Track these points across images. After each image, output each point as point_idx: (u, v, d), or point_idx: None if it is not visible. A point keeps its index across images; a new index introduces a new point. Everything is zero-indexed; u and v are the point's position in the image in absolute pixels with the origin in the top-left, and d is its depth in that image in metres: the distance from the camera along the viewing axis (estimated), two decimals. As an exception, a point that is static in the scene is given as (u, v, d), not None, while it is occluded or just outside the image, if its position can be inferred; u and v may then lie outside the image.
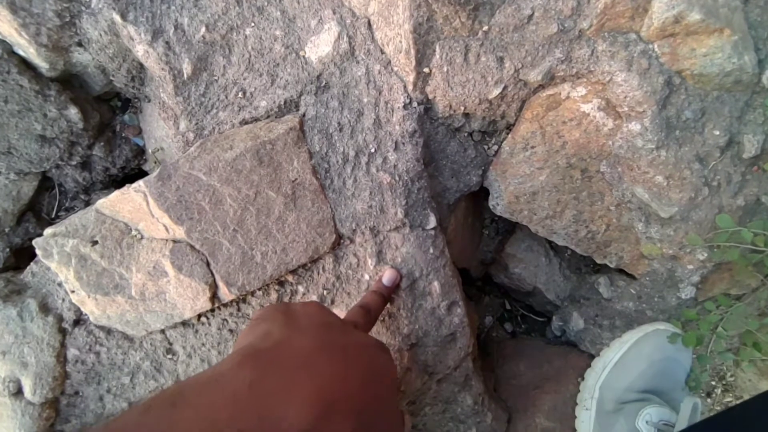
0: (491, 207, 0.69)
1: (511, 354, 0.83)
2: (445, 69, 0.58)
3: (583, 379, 0.72)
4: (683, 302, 0.70)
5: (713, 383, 0.75)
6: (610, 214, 0.67)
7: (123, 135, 0.79)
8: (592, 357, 0.73)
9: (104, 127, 0.78)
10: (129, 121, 0.79)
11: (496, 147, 0.67)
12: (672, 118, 0.58)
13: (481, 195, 0.74)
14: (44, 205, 0.80)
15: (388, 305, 0.62)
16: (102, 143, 0.77)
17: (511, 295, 0.90)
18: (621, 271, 0.73)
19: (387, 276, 0.60)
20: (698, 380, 0.70)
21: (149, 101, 0.75)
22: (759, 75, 0.57)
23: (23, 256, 0.77)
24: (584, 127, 0.62)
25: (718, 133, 0.59)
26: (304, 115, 0.63)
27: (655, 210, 0.63)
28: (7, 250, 0.76)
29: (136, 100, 0.78)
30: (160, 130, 0.74)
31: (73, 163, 0.76)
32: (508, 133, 0.66)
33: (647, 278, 0.70)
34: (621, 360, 0.69)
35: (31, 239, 0.76)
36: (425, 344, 0.62)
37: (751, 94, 0.58)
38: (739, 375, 0.75)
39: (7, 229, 0.76)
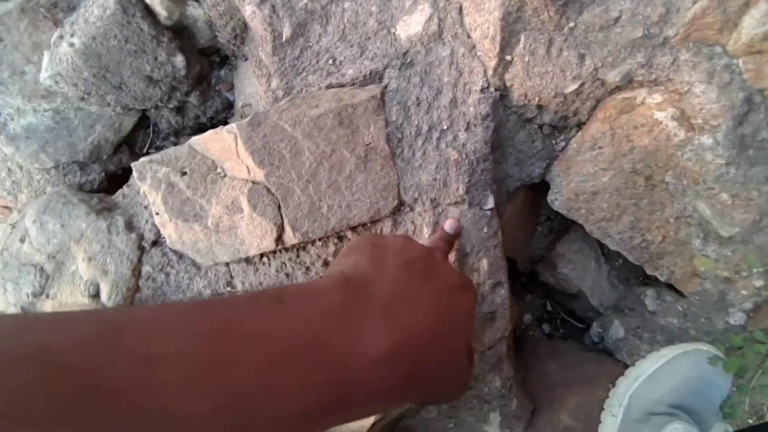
0: (549, 201, 0.71)
1: (544, 354, 0.84)
2: (526, 59, 0.61)
3: (614, 385, 0.72)
4: (731, 327, 0.69)
5: (750, 420, 0.73)
6: (668, 226, 0.67)
7: (217, 88, 0.87)
8: (626, 367, 0.73)
9: (202, 79, 0.85)
10: (224, 77, 0.87)
11: (563, 143, 0.69)
12: (747, 136, 0.59)
13: (540, 191, 0.76)
14: (138, 141, 0.89)
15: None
16: (198, 92, 0.85)
17: (555, 298, 0.91)
18: (670, 287, 0.73)
19: (449, 224, 0.62)
20: (735, 409, 0.69)
21: (246, 60, 0.82)
22: None
23: (114, 182, 0.86)
24: (655, 135, 0.63)
25: (793, 157, 0.59)
26: (386, 87, 0.67)
27: (715, 228, 0.64)
28: (103, 174, 0.85)
29: (233, 59, 0.86)
30: (252, 87, 0.81)
31: (171, 106, 0.84)
32: (577, 131, 0.68)
33: (696, 297, 0.70)
34: (656, 372, 0.69)
35: (123, 168, 0.85)
36: (465, 317, 0.65)
37: (836, 123, 0.57)
38: (780, 416, 0.73)
39: (105, 156, 0.85)
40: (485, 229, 0.65)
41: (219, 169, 0.67)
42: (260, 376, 0.26)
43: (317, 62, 0.71)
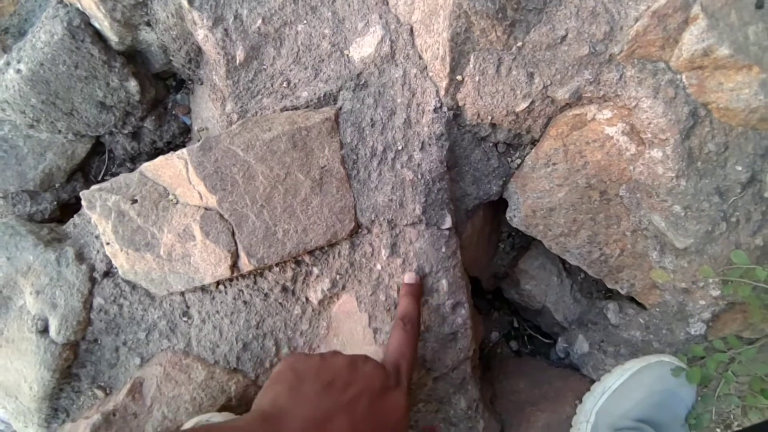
0: (508, 218, 0.71)
1: (512, 371, 0.83)
2: (476, 78, 0.62)
3: (580, 402, 0.72)
4: (692, 338, 0.69)
5: (718, 430, 0.73)
6: (625, 239, 0.68)
7: (173, 112, 0.85)
8: (593, 382, 0.73)
9: (158, 103, 0.84)
10: (181, 101, 0.85)
11: (519, 160, 0.69)
12: (695, 149, 0.60)
13: (500, 208, 0.76)
14: (93, 168, 0.86)
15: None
16: (153, 117, 0.83)
17: (521, 314, 0.91)
18: (631, 300, 0.73)
19: (407, 277, 0.63)
20: (700, 419, 0.69)
21: (201, 84, 0.81)
22: (787, 116, 0.58)
23: (67, 211, 0.83)
24: (607, 150, 0.63)
25: (740, 168, 0.60)
26: (340, 109, 0.67)
27: (670, 240, 0.64)
28: (55, 203, 0.82)
29: (189, 82, 0.85)
30: (208, 111, 0.80)
31: (125, 132, 0.82)
32: (532, 148, 0.68)
33: (657, 309, 0.70)
34: (621, 387, 0.68)
35: (77, 197, 0.82)
36: (426, 339, 0.64)
37: (777, 134, 0.59)
38: (746, 424, 0.73)
39: (57, 185, 0.82)
40: (444, 249, 0.65)
41: (171, 196, 0.65)
42: None
43: (272, 85, 0.71)
